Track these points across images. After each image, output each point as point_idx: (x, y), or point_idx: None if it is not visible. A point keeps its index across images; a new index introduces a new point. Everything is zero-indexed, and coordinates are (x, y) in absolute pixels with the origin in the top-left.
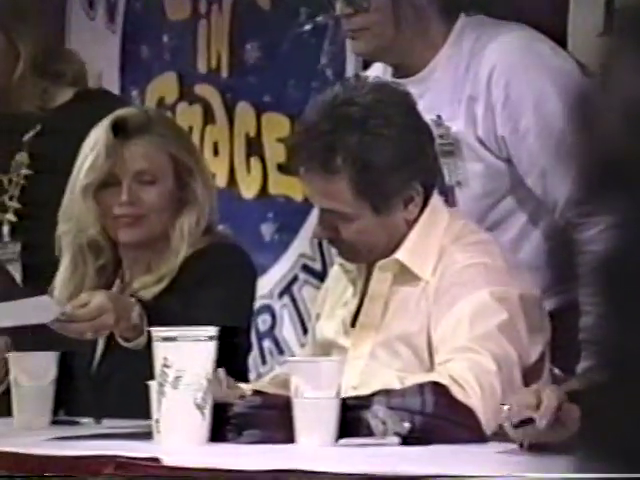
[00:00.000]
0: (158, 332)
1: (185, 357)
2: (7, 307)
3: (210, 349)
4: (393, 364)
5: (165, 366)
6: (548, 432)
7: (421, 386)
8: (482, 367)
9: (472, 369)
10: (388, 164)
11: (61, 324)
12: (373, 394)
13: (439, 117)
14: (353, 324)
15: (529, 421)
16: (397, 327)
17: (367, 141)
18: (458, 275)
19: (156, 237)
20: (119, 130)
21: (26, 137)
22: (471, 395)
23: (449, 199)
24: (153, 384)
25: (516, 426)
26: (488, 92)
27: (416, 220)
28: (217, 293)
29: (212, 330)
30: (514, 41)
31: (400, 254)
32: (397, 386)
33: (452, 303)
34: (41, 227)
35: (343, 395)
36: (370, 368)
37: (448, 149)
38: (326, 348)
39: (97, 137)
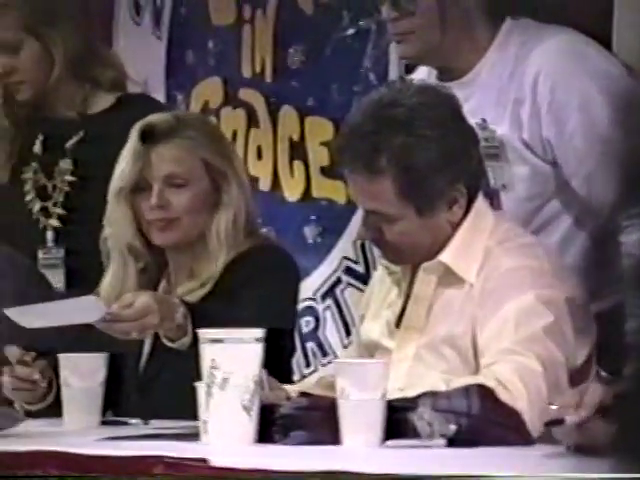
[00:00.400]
0: (206, 334)
1: (233, 359)
2: (54, 307)
3: (257, 351)
4: (438, 366)
5: (213, 368)
6: (591, 433)
7: (467, 388)
8: (528, 369)
9: (518, 371)
10: (432, 165)
11: (107, 324)
12: (419, 396)
13: (484, 120)
14: (397, 325)
15: (561, 421)
16: (442, 329)
17: (411, 142)
18: (504, 278)
19: (192, 240)
20: (147, 136)
21: (69, 143)
22: (517, 397)
23: (494, 202)
24: (201, 385)
25: (547, 424)
26: (534, 95)
27: (460, 222)
28: (261, 295)
29: (259, 332)
30: (560, 44)
31: (445, 256)
32: (443, 388)
33: (498, 306)
34: (84, 233)
35: (389, 397)
36: (415, 370)
37: (493, 152)
38: (370, 349)
39: (128, 143)
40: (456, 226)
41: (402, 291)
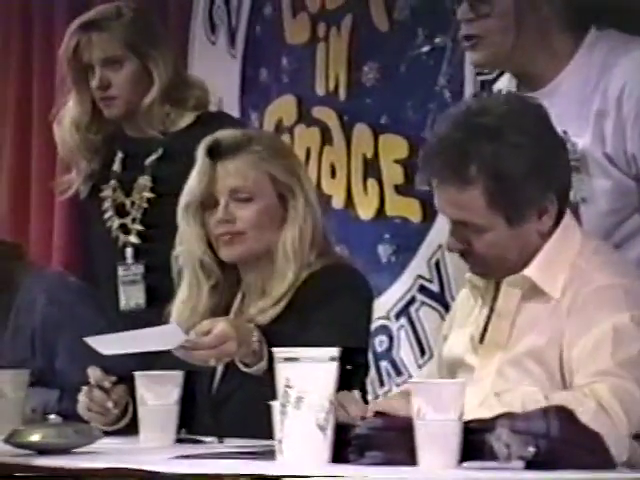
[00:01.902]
0: (280, 353)
1: (307, 378)
2: (133, 333)
3: (332, 370)
4: (523, 382)
5: (287, 387)
6: None
7: (546, 410)
8: (628, 394)
9: (617, 394)
10: (523, 173)
11: (185, 351)
12: (496, 417)
13: (565, 132)
14: (481, 341)
15: None
16: (525, 343)
17: (502, 150)
18: (596, 295)
19: (260, 256)
20: (214, 151)
21: (148, 160)
22: (617, 423)
23: (574, 216)
24: (275, 404)
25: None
26: (619, 108)
27: (549, 234)
28: (334, 314)
29: (334, 351)
30: None
31: (530, 271)
32: (542, 403)
33: (590, 324)
34: (163, 249)
35: (479, 408)
36: (499, 387)
37: (575, 165)
38: (453, 367)
39: (197, 160)
40: (545, 237)
41: (486, 306)
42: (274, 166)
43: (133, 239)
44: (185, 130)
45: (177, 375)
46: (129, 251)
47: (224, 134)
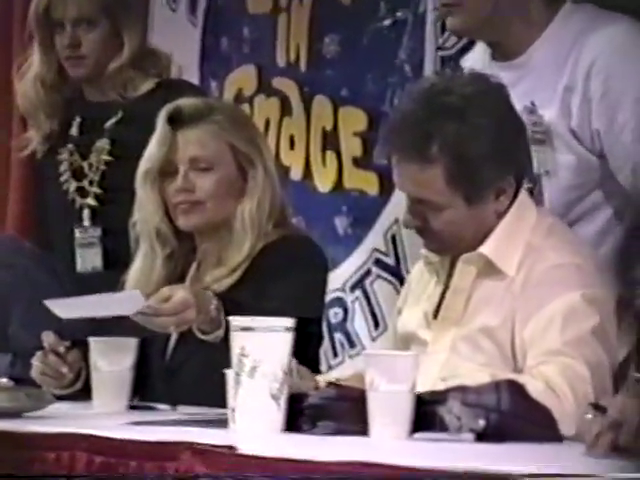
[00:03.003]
0: (236, 322)
1: (262, 347)
2: (93, 299)
3: (287, 340)
4: (475, 358)
5: (242, 355)
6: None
7: (497, 384)
8: (576, 373)
9: (565, 374)
10: (483, 155)
11: (145, 317)
12: (448, 390)
13: (533, 104)
14: (435, 317)
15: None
16: (479, 320)
17: (465, 131)
18: (549, 274)
19: (218, 226)
20: (174, 119)
21: (107, 124)
22: (564, 401)
23: (535, 188)
24: (230, 373)
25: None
26: (586, 84)
27: (505, 213)
28: (289, 285)
29: (289, 322)
30: (619, 34)
31: (485, 248)
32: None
33: (542, 303)
34: (121, 212)
35: (431, 387)
36: (452, 361)
37: (540, 137)
38: (406, 341)
39: (157, 127)
40: (501, 216)
41: (440, 282)
42: (234, 136)
43: (90, 201)
44: (145, 95)
45: (131, 342)
46: (86, 213)
47: (186, 102)
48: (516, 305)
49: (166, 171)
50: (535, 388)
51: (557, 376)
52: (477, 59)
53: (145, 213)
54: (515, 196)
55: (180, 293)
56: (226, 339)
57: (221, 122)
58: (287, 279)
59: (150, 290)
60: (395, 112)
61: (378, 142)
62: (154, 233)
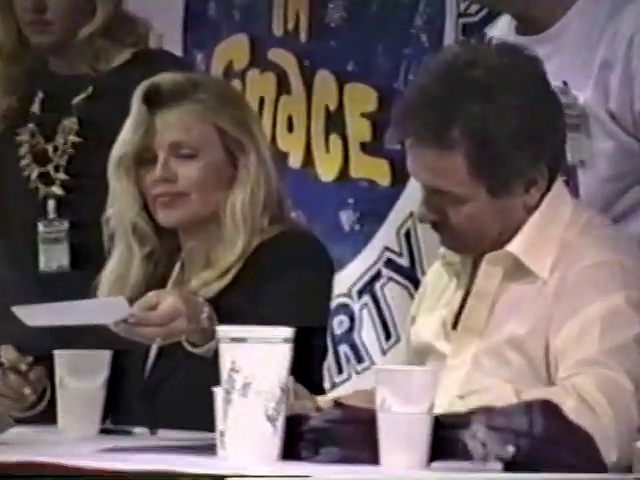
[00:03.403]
0: (226, 332)
1: (256, 361)
2: (72, 305)
3: (284, 353)
4: (500, 373)
5: (233, 370)
6: None
7: (528, 404)
8: (616, 386)
9: (603, 387)
10: (513, 139)
11: (129, 327)
12: (472, 411)
13: (565, 84)
14: (455, 326)
15: None
16: (506, 330)
17: (490, 112)
18: (587, 274)
19: (205, 221)
20: (152, 98)
21: (75, 100)
22: (602, 418)
23: (570, 181)
24: (219, 391)
25: None
26: (627, 59)
27: (536, 207)
28: (288, 288)
29: (287, 331)
30: None
31: (514, 246)
32: (513, 400)
33: (579, 306)
34: (92, 202)
35: (451, 407)
36: (474, 377)
37: (574, 122)
38: (422, 355)
39: (132, 107)
40: (531, 211)
41: (461, 286)
42: (222, 117)
43: (56, 190)
44: (120, 68)
45: (104, 355)
46: (51, 204)
47: (165, 78)
48: (549, 311)
49: (143, 158)
50: (568, 407)
51: (594, 389)
52: (501, 32)
53: (120, 207)
54: (548, 188)
55: (169, 300)
56: (216, 352)
57: (206, 101)
58: (286, 281)
59: (126, 294)
60: (410, 89)
61: (390, 124)
62: (130, 230)
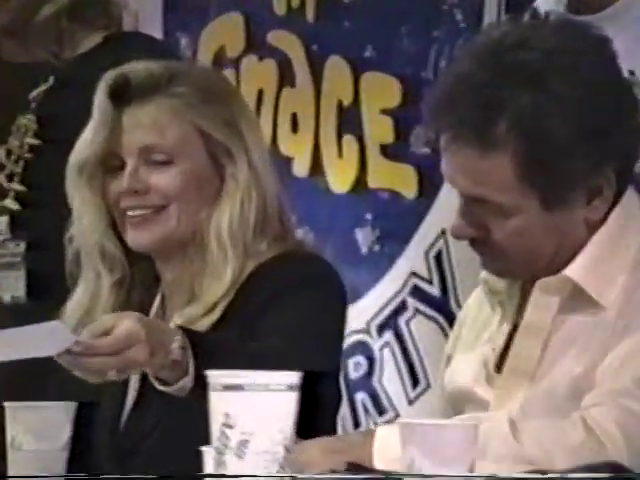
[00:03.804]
0: (218, 377)
1: (255, 414)
2: (6, 335)
3: (289, 403)
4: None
5: (226, 425)
6: None
7: (594, 468)
8: (639, 420)
9: (624, 420)
10: (572, 138)
11: (74, 358)
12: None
13: (632, 73)
14: (499, 368)
15: None
16: (563, 372)
17: (544, 102)
18: None
19: (183, 243)
20: (119, 92)
21: (33, 93)
22: (609, 449)
23: None
24: (208, 451)
25: None
26: None
27: (601, 223)
28: (291, 322)
29: (293, 376)
30: None
31: (573, 270)
32: (506, 430)
33: (633, 331)
34: (53, 219)
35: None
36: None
37: None
38: (458, 403)
39: (95, 102)
40: (595, 228)
41: (507, 318)
42: (204, 116)
43: (10, 204)
44: (87, 55)
45: (67, 407)
46: (4, 221)
47: (135, 68)
48: (610, 343)
49: (110, 165)
50: (572, 437)
51: (609, 422)
52: (547, 8)
53: (82, 224)
54: (616, 200)
55: (125, 324)
56: (199, 390)
57: (185, 95)
58: (287, 314)
59: None
60: (446, 75)
61: (416, 122)
62: (97, 252)
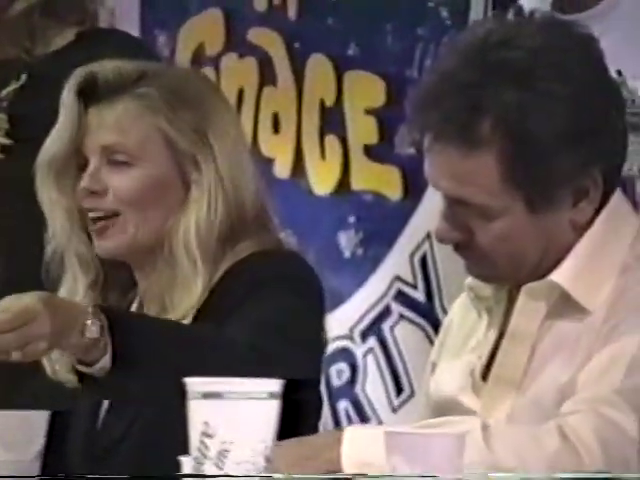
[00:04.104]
0: (196, 385)
1: (235, 422)
2: None
3: (271, 411)
4: None
5: (205, 435)
6: None
7: None
8: (618, 430)
9: (602, 429)
10: (558, 136)
11: None
12: None
13: (620, 73)
14: (485, 376)
15: None
16: (550, 380)
17: (530, 100)
18: (636, 300)
19: (148, 252)
20: (87, 91)
21: (4, 92)
22: (585, 458)
23: (626, 194)
24: (186, 461)
25: None
26: None
27: (588, 225)
28: (267, 323)
29: (274, 384)
30: None
31: (559, 275)
32: (478, 435)
33: (618, 335)
34: (26, 227)
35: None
36: None
37: (633, 121)
38: (444, 412)
39: (63, 100)
40: (582, 231)
41: (494, 325)
42: (171, 121)
43: None
44: (60, 52)
45: (40, 416)
46: None
47: (105, 66)
48: (594, 348)
49: (79, 165)
50: (547, 445)
51: (586, 431)
52: (532, 6)
53: (54, 226)
54: (603, 202)
55: (23, 300)
56: (118, 371)
57: (150, 96)
58: (263, 314)
59: None
60: (430, 73)
61: (401, 122)
62: (72, 253)
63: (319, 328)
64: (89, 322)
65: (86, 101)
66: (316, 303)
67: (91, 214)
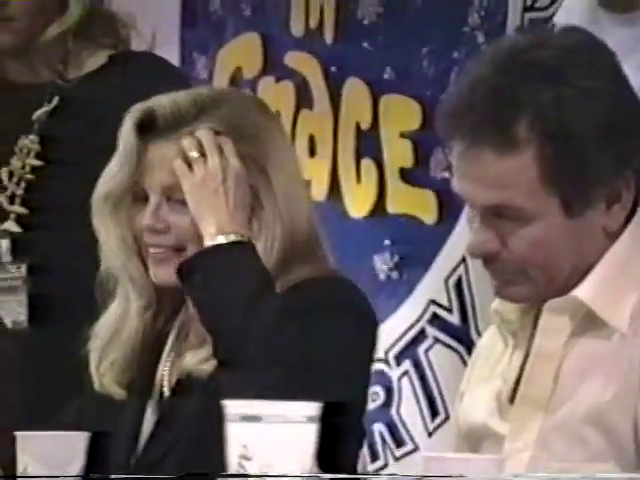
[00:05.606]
0: (235, 407)
1: (274, 446)
2: None
3: (309, 436)
4: (574, 456)
5: (244, 458)
6: None
7: None
8: None
9: None
10: (595, 132)
11: None
12: None
13: None
14: (512, 399)
15: None
16: (579, 399)
17: (566, 97)
18: None
19: None
20: (145, 126)
21: (37, 114)
22: None
23: None
24: None
25: None
26: None
27: (620, 232)
28: (316, 346)
29: (312, 407)
30: None
31: (583, 290)
32: None
33: None
34: (56, 242)
35: None
36: (541, 464)
37: None
38: (474, 440)
39: (121, 133)
40: (613, 237)
41: (519, 346)
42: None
43: (11, 227)
44: (93, 75)
45: (79, 437)
46: (4, 244)
47: (163, 101)
48: (626, 367)
49: (136, 195)
50: None
51: None
52: (576, 7)
53: (107, 253)
54: (633, 209)
55: None
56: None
57: (215, 130)
58: (312, 337)
59: (119, 350)
60: (460, 83)
61: (434, 139)
62: (126, 279)
63: (371, 353)
64: None
65: (145, 136)
66: (370, 328)
67: (152, 250)
